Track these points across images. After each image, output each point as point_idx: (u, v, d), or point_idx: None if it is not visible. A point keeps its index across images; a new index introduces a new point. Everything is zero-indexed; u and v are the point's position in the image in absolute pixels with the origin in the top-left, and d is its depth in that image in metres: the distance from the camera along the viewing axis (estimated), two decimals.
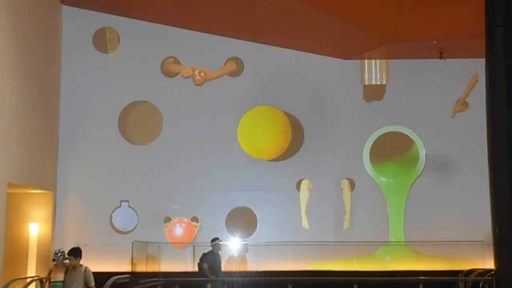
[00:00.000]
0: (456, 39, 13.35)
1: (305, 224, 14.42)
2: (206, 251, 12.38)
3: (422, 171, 14.74)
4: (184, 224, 14.37)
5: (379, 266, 14.14)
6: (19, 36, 12.11)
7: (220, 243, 12.49)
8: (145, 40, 14.67)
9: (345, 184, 14.61)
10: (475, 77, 14.68)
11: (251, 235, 14.35)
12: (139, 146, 14.55)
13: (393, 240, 14.49)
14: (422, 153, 14.76)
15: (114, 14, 14.52)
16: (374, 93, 14.96)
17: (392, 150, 14.83)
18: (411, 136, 14.81)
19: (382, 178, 14.68)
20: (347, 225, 14.48)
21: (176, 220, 14.37)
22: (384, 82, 14.98)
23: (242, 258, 14.27)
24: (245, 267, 14.13)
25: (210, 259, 12.14)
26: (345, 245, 14.04)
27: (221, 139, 14.55)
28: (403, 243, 14.46)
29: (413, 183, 14.72)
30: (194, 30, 14.59)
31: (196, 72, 14.70)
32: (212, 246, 12.39)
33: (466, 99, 14.91)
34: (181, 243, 14.27)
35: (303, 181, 14.54)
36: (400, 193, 14.67)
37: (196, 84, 14.70)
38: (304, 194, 14.52)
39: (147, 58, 14.67)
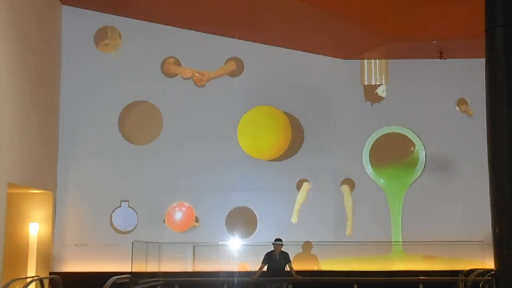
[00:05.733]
0: (456, 39, 13.36)
1: (294, 219, 14.40)
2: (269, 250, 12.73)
3: (422, 171, 14.74)
4: (184, 208, 14.36)
5: (379, 266, 14.14)
6: (20, 37, 12.10)
7: (276, 243, 12.58)
8: (145, 40, 14.66)
9: (345, 189, 14.57)
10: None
11: (251, 235, 14.36)
12: (139, 146, 14.54)
13: (394, 240, 14.50)
14: (422, 153, 14.76)
15: (115, 14, 14.51)
16: (374, 93, 14.96)
17: (392, 150, 14.82)
18: (410, 137, 14.80)
19: (381, 180, 14.66)
20: (349, 231, 14.46)
21: (175, 204, 14.36)
22: (384, 82, 14.98)
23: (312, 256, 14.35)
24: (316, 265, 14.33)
25: (266, 259, 12.50)
26: (345, 245, 14.05)
27: (221, 139, 14.54)
28: (403, 243, 14.45)
29: (412, 183, 14.73)
30: (194, 30, 14.59)
31: (196, 74, 14.69)
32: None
33: (466, 99, 14.92)
34: (181, 227, 14.28)
35: (304, 184, 14.53)
36: (400, 193, 14.66)
37: (200, 86, 14.68)
38: (301, 195, 14.49)
39: (148, 58, 14.67)
